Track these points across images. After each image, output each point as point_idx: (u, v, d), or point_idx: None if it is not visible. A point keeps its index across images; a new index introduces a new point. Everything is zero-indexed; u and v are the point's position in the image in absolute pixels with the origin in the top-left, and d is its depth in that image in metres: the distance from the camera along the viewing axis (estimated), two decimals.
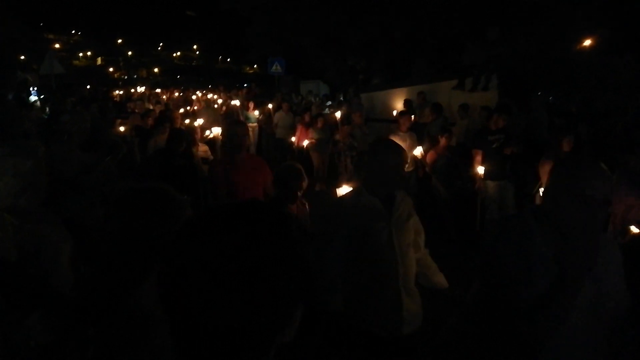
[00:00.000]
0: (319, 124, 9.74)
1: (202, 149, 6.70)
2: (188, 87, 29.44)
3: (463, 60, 11.90)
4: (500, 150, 6.14)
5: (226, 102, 15.63)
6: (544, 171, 5.13)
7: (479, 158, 6.17)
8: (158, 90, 26.31)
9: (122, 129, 7.77)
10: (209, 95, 20.60)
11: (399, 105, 12.67)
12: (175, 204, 1.32)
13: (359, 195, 2.55)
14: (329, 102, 17.61)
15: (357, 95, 14.25)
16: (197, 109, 13.45)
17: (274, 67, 16.12)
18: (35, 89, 17.11)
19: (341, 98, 18.60)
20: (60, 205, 2.35)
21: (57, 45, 60.05)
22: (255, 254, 0.66)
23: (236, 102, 13.99)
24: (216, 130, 6.00)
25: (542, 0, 11.23)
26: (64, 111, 5.79)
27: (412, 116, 10.95)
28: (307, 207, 3.59)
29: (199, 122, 9.42)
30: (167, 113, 9.34)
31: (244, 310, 0.64)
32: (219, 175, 3.98)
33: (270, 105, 13.34)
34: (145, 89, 24.86)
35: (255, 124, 12.60)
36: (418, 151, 6.54)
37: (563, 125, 8.20)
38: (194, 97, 19.37)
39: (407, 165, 6.84)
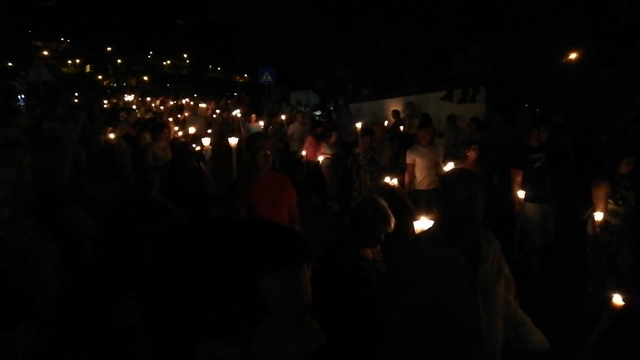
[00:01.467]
0: (332, 138, 9.17)
1: None
2: (178, 95, 29.36)
3: (450, 72, 12.05)
4: (543, 170, 5.53)
5: (220, 113, 15.19)
6: (599, 195, 4.72)
7: (518, 179, 5.52)
8: (148, 98, 26.24)
9: (112, 136, 7.73)
10: (200, 105, 20.62)
11: (388, 116, 12.76)
12: (168, 216, 1.31)
13: (437, 245, 1.99)
14: (319, 112, 17.71)
15: (347, 105, 14.32)
16: (187, 116, 13.29)
17: (264, 77, 16.15)
18: (23, 96, 16.97)
19: (331, 108, 18.75)
20: (58, 215, 2.33)
21: (45, 53, 59.65)
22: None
23: (237, 113, 13.23)
24: (206, 142, 5.78)
25: (528, 13, 11.42)
26: (52, 119, 5.75)
27: (402, 127, 11.15)
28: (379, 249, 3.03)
29: (191, 130, 9.41)
30: (161, 121, 9.35)
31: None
32: (239, 201, 3.39)
33: (283, 117, 12.76)
34: (134, 97, 24.77)
35: None
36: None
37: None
38: (184, 103, 19.43)
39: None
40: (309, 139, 9.69)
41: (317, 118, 14.43)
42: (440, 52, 13.64)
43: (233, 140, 5.24)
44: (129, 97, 24.87)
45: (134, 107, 16.34)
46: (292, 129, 11.23)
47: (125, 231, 1.26)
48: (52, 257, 1.88)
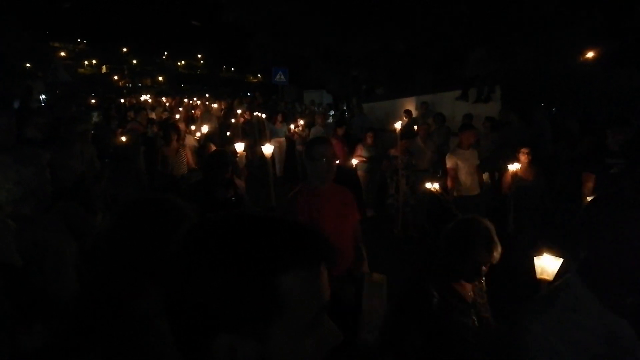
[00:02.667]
0: (369, 140, 8.48)
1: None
2: (192, 95, 29.59)
3: (465, 72, 11.95)
4: (619, 176, 4.91)
5: (241, 114, 14.45)
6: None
7: (589, 185, 4.85)
8: (163, 98, 26.50)
9: (123, 138, 7.74)
10: (214, 105, 20.70)
11: (402, 116, 12.69)
12: (180, 214, 1.32)
13: (584, 307, 1.32)
14: (332, 112, 17.69)
15: (360, 105, 14.27)
16: (199, 114, 13.27)
17: (277, 77, 16.20)
18: (44, 96, 17.24)
19: (344, 108, 18.72)
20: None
21: (62, 54, 60.57)
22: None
23: (262, 114, 12.78)
24: (239, 147, 5.02)
25: (544, 12, 11.28)
26: (65, 118, 5.81)
27: (415, 126, 11.07)
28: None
29: (204, 129, 9.40)
30: (171, 122, 9.37)
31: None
32: (299, 214, 2.95)
33: (301, 121, 11.95)
34: (150, 97, 24.95)
35: (283, 139, 11.64)
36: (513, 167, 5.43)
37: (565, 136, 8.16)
38: (199, 102, 19.51)
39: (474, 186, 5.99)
40: (334, 142, 9.29)
41: (330, 118, 14.36)
42: (455, 52, 13.55)
43: (267, 149, 4.52)
44: (145, 97, 25.10)
45: (150, 106, 16.42)
46: (314, 132, 10.47)
47: (139, 229, 1.27)
48: (71, 253, 1.91)
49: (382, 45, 15.05)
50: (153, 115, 12.76)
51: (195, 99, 22.32)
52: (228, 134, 12.90)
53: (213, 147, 6.92)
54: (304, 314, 0.69)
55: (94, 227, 2.43)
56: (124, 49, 75.99)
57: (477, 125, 9.67)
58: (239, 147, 4.96)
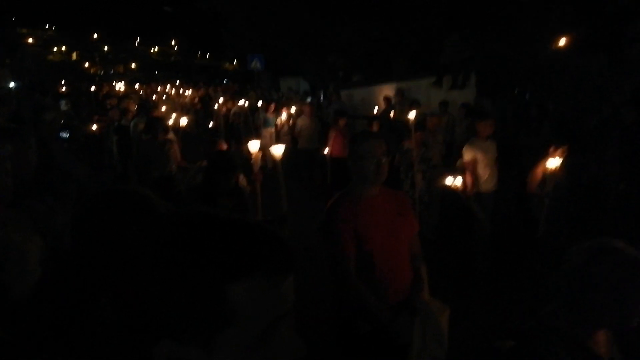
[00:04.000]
0: (374, 128, 7.80)
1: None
2: (166, 83, 29.00)
3: (441, 59, 12.02)
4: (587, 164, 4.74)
5: (223, 103, 13.58)
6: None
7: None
8: (136, 85, 25.90)
9: (94, 127, 7.50)
10: (180, 91, 20.27)
11: (379, 102, 12.71)
12: (149, 207, 1.27)
13: None
14: (309, 98, 17.61)
15: (337, 92, 14.22)
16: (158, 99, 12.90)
17: (253, 64, 16.00)
18: (13, 84, 16.70)
19: (321, 95, 18.64)
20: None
21: (30, 40, 58.56)
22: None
23: (244, 102, 12.11)
24: (254, 146, 4.17)
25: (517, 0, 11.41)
26: (32, 107, 5.63)
27: (391, 113, 11.10)
28: None
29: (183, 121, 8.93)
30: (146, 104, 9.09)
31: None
32: (343, 233, 2.43)
33: (293, 109, 11.27)
34: (124, 85, 24.37)
35: (273, 130, 10.94)
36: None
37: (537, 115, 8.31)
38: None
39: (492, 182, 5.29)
40: (333, 134, 8.52)
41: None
42: (430, 39, 13.58)
43: (278, 150, 3.92)
44: (119, 85, 24.51)
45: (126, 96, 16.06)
46: (301, 123, 9.82)
47: (101, 224, 1.21)
48: (35, 250, 1.84)
49: (358, 33, 14.98)
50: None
51: (169, 85, 21.86)
52: (211, 124, 12.62)
53: (224, 145, 6.14)
54: (255, 325, 0.64)
55: (59, 224, 2.35)
56: (95, 35, 73.91)
57: (452, 111, 9.78)
58: (253, 146, 4.16)
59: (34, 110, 4.37)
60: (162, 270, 0.62)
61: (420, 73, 13.61)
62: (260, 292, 0.63)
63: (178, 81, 32.29)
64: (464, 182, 5.34)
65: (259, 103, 12.15)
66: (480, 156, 5.50)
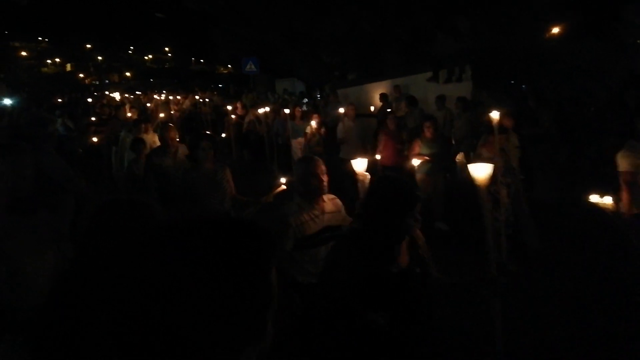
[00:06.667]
0: (428, 133, 6.50)
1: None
2: (162, 90, 28.96)
3: (434, 51, 12.00)
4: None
5: (235, 111, 12.42)
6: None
7: None
8: (137, 93, 25.89)
9: (95, 139, 7.42)
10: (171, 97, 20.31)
11: (375, 100, 12.70)
12: (152, 218, 1.27)
13: None
14: (305, 100, 17.59)
15: (334, 91, 14.19)
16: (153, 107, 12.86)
17: (248, 67, 15.98)
18: (9, 99, 16.70)
19: (318, 95, 18.61)
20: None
21: (24, 53, 58.56)
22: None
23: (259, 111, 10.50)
24: (359, 166, 3.27)
25: None
26: (32, 120, 5.61)
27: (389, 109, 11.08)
28: None
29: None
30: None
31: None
32: None
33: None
34: (119, 95, 24.33)
35: (303, 140, 9.20)
36: None
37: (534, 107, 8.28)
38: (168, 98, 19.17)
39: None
40: (384, 139, 7.35)
41: (304, 107, 14.26)
42: (422, 32, 13.53)
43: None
44: (115, 94, 24.48)
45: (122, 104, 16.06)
46: (342, 128, 8.19)
47: (110, 231, 1.22)
48: (35, 264, 1.83)
49: (348, 25, 14.91)
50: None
51: (164, 92, 21.88)
52: (223, 135, 12.07)
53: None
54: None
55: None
56: (88, 46, 73.90)
57: (449, 105, 9.76)
58: (360, 165, 3.26)
59: (31, 124, 4.37)
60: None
61: (415, 68, 13.60)
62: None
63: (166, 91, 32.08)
64: (615, 201, 3.59)
65: (286, 110, 10.83)
66: None
